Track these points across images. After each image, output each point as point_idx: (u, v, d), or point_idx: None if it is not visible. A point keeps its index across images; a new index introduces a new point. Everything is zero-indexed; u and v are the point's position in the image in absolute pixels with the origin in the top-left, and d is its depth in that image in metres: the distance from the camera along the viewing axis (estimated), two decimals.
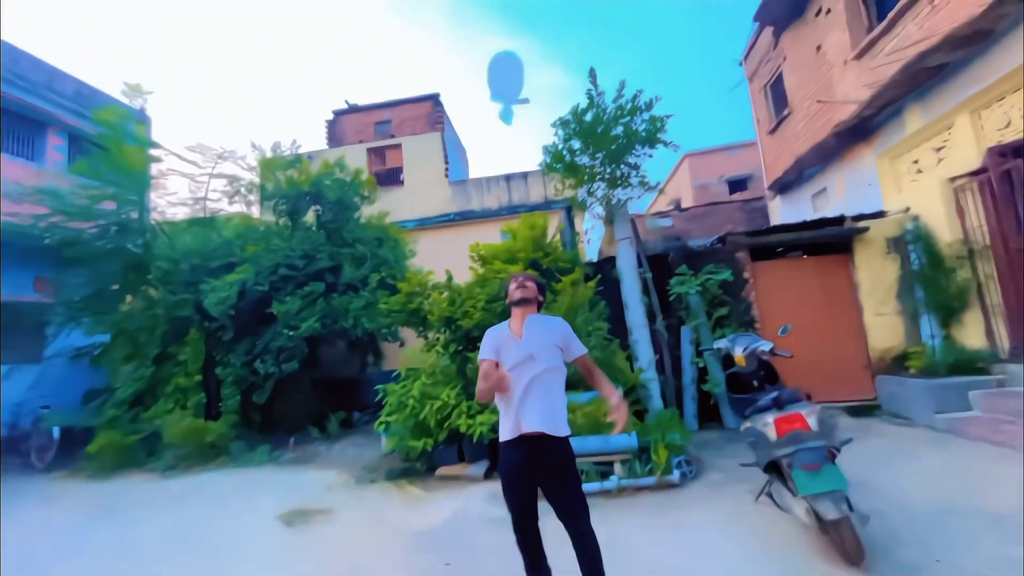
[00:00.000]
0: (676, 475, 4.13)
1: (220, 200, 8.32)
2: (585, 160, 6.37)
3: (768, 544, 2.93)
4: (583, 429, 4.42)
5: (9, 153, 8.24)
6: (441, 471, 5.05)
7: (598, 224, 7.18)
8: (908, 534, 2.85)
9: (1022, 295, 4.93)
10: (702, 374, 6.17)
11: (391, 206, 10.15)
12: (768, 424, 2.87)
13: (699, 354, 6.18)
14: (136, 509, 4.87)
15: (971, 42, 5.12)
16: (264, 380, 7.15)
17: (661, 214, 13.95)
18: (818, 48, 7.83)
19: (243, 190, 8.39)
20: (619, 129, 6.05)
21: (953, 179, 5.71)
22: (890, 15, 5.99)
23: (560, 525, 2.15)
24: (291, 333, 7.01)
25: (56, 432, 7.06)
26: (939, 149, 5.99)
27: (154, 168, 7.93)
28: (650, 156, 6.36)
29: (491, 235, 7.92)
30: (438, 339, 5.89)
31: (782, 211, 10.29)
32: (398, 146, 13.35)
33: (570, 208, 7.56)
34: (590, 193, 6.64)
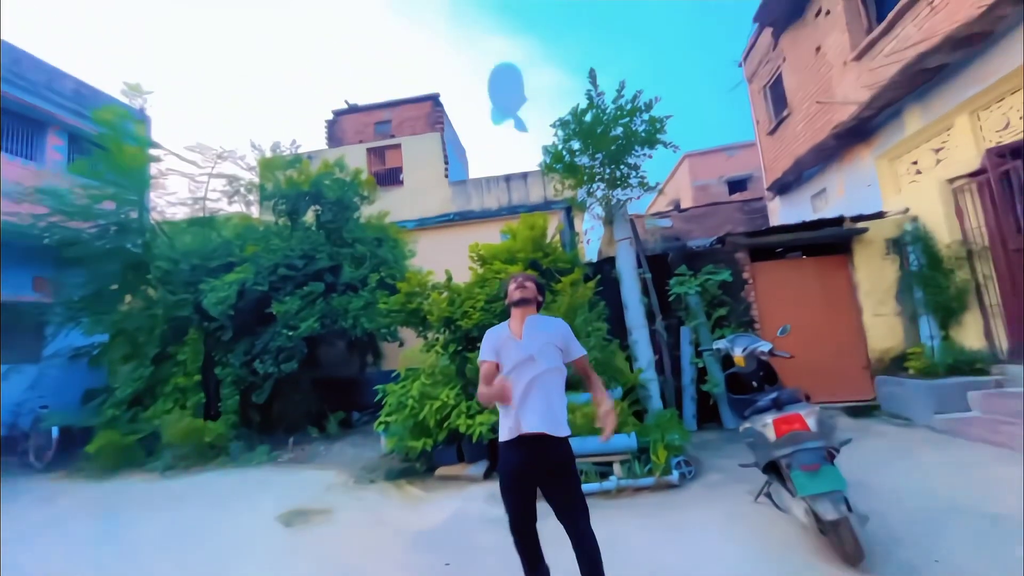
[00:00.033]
0: (675, 475, 4.13)
1: (220, 200, 8.34)
2: (585, 160, 6.37)
3: (767, 545, 2.93)
4: (582, 429, 4.42)
5: (9, 153, 8.23)
6: (440, 471, 5.05)
7: (597, 224, 7.18)
8: (907, 534, 2.85)
9: (1021, 296, 4.94)
10: (701, 374, 6.18)
11: (391, 206, 10.16)
12: (767, 425, 2.87)
13: (698, 354, 6.19)
14: (135, 509, 4.87)
15: (970, 43, 5.13)
16: (263, 380, 7.14)
17: (660, 214, 13.95)
18: (817, 49, 7.84)
19: (243, 190, 8.39)
20: (619, 130, 6.05)
21: (952, 180, 5.72)
22: (889, 16, 6.00)
23: (560, 525, 2.15)
24: (290, 333, 7.01)
25: (55, 432, 7.05)
26: (938, 150, 6.00)
27: (154, 168, 7.93)
28: (649, 157, 6.36)
29: (491, 235, 7.92)
30: (437, 339, 5.89)
31: (781, 212, 10.30)
32: (398, 146, 13.35)
33: (570, 208, 7.56)
34: (590, 194, 6.65)
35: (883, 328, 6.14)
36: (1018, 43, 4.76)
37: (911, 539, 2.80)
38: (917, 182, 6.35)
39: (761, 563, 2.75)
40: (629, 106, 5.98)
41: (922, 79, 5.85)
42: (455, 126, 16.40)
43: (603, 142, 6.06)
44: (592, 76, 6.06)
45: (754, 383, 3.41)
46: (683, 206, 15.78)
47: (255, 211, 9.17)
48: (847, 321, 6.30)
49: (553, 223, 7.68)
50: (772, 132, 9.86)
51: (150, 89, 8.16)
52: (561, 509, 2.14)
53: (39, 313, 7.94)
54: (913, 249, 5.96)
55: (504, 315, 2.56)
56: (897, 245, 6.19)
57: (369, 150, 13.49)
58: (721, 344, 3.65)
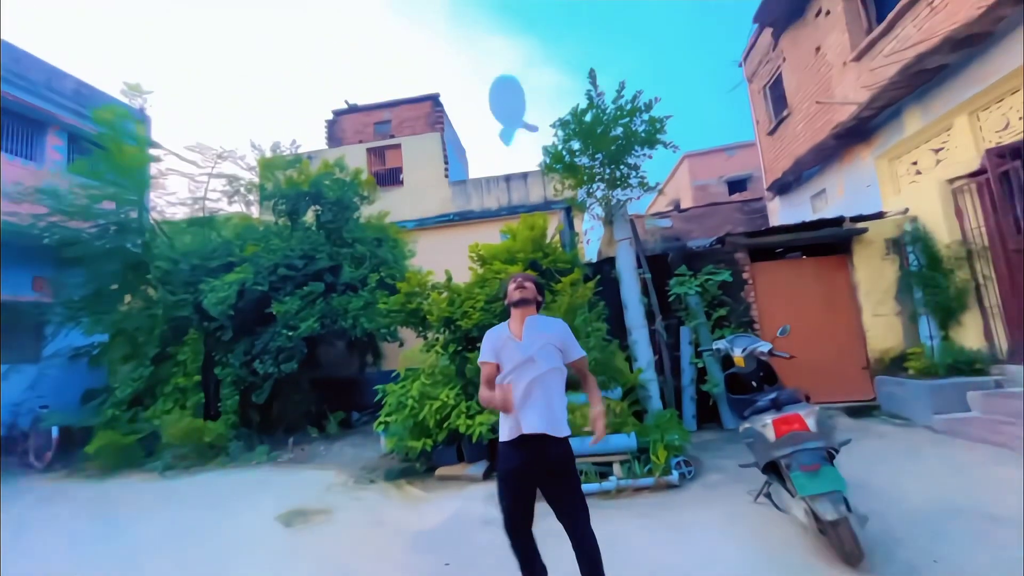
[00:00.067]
0: (675, 476, 4.14)
1: (219, 200, 8.34)
2: (585, 161, 6.37)
3: (767, 545, 2.93)
4: (582, 429, 4.42)
5: (8, 153, 8.23)
6: (440, 471, 5.06)
7: (597, 225, 7.18)
8: (906, 535, 2.85)
9: (1020, 296, 4.94)
10: (701, 375, 6.18)
11: (391, 206, 10.16)
12: (767, 425, 2.88)
13: (698, 355, 6.19)
14: (135, 509, 4.87)
15: (970, 44, 5.13)
16: (263, 380, 7.14)
17: (660, 215, 13.95)
18: (817, 49, 7.85)
19: (242, 190, 8.39)
20: (619, 130, 6.05)
21: (952, 180, 5.72)
22: (889, 16, 6.01)
23: (560, 525, 2.15)
24: (290, 333, 7.01)
25: (55, 432, 7.05)
26: (938, 151, 6.01)
27: (153, 168, 7.94)
28: (649, 157, 6.36)
29: (491, 235, 7.92)
30: (437, 339, 5.89)
31: (781, 212, 10.30)
32: (398, 146, 13.35)
33: (569, 209, 7.56)
34: (589, 194, 6.65)
35: (883, 328, 6.14)
36: (1018, 44, 4.76)
37: (911, 539, 2.80)
38: (917, 182, 6.35)
39: (761, 563, 2.75)
40: (629, 106, 5.98)
41: (922, 79, 5.86)
42: (455, 126, 16.41)
43: (603, 142, 6.06)
44: (592, 76, 6.06)
45: (754, 383, 3.41)
46: (683, 206, 15.78)
47: (255, 211, 9.17)
48: (847, 321, 6.30)
49: (553, 223, 7.69)
50: (772, 132, 9.87)
51: (150, 89, 8.17)
52: (561, 509, 2.14)
53: (39, 313, 7.95)
54: (913, 249, 5.97)
55: (504, 315, 2.56)
56: (897, 245, 6.19)
57: (369, 150, 13.49)
58: (721, 344, 3.65)
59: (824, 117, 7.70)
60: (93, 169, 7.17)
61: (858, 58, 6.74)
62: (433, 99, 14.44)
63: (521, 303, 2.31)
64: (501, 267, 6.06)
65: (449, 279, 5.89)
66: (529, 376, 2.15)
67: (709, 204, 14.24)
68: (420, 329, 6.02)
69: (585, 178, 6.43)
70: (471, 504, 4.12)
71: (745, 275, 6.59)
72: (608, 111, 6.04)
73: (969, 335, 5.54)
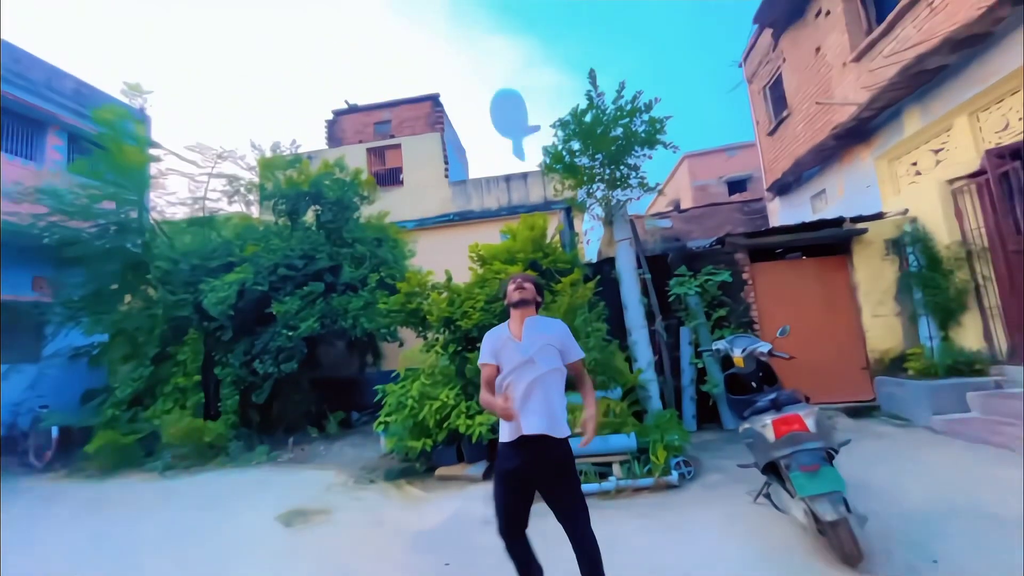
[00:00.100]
0: (675, 476, 4.14)
1: (219, 200, 8.34)
2: (585, 161, 6.37)
3: (766, 545, 2.94)
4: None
5: (8, 152, 8.23)
6: (440, 471, 5.06)
7: (597, 225, 7.18)
8: (906, 535, 2.86)
9: (1020, 297, 4.95)
10: (701, 375, 6.18)
11: (391, 206, 10.17)
12: (766, 425, 2.88)
13: (698, 355, 6.19)
14: (134, 509, 4.87)
15: (969, 45, 5.14)
16: (263, 380, 7.14)
17: (660, 215, 13.95)
18: (817, 50, 7.85)
19: (242, 190, 8.39)
20: (619, 130, 6.05)
21: (951, 181, 5.72)
22: (889, 17, 6.02)
23: (559, 526, 2.15)
24: (290, 333, 7.01)
25: (54, 432, 7.05)
26: (938, 151, 6.01)
27: (153, 168, 7.94)
28: (649, 157, 6.37)
29: (491, 236, 7.92)
30: (437, 339, 5.89)
31: (781, 212, 10.31)
32: (398, 146, 13.36)
33: (569, 209, 7.56)
34: (589, 194, 6.65)
35: (882, 329, 6.14)
36: (1017, 44, 4.77)
37: (910, 540, 2.80)
38: (916, 183, 6.36)
39: (760, 564, 2.75)
40: (629, 107, 5.98)
41: (921, 80, 5.86)
42: (455, 126, 16.41)
43: (603, 143, 6.06)
44: (592, 77, 6.06)
45: (753, 384, 3.41)
46: (683, 207, 15.79)
47: (255, 211, 9.17)
48: (846, 322, 6.30)
49: (553, 223, 7.69)
50: (772, 133, 9.87)
51: (150, 89, 8.17)
52: (561, 510, 2.14)
53: (39, 313, 7.94)
54: (912, 250, 5.97)
55: (504, 315, 2.57)
56: (896, 246, 6.19)
57: (369, 150, 13.50)
58: (720, 345, 3.65)
59: (824, 118, 7.71)
60: (93, 169, 7.17)
61: (858, 59, 6.75)
62: (433, 99, 14.45)
63: (521, 304, 2.32)
64: (501, 267, 6.07)
65: (449, 279, 5.89)
66: (529, 377, 2.15)
67: (709, 204, 14.25)
68: (420, 329, 6.02)
69: (585, 178, 6.43)
70: (471, 504, 4.12)
71: (745, 275, 6.59)
72: (608, 111, 6.04)
73: (969, 336, 5.54)
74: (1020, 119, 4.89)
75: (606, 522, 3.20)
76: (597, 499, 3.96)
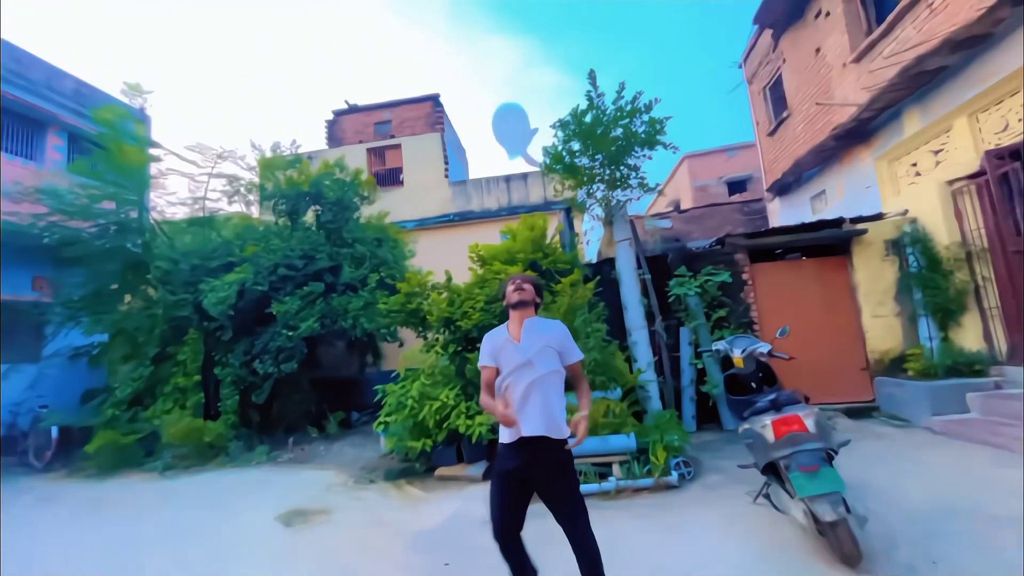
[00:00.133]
0: (674, 476, 4.14)
1: (219, 200, 8.35)
2: (585, 161, 6.38)
3: (766, 546, 2.94)
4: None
5: (9, 152, 8.23)
6: (440, 472, 5.06)
7: (597, 225, 7.18)
8: (905, 536, 2.86)
9: (1020, 298, 4.95)
10: (701, 375, 6.18)
11: (391, 206, 10.17)
12: (766, 426, 2.88)
13: (698, 355, 6.19)
14: (134, 509, 4.87)
15: (969, 46, 5.15)
16: (263, 380, 7.15)
17: (660, 215, 13.96)
18: (817, 50, 7.85)
19: (243, 190, 8.40)
20: (619, 131, 6.06)
21: (951, 182, 5.73)
22: (889, 18, 6.02)
23: (559, 526, 2.15)
24: (290, 333, 7.02)
25: (54, 432, 7.05)
26: (937, 152, 6.02)
27: (154, 168, 7.94)
28: (649, 158, 6.37)
29: (491, 236, 7.93)
30: (437, 340, 5.90)
31: (781, 213, 10.31)
32: (398, 146, 13.36)
33: (569, 209, 7.56)
34: (589, 194, 6.65)
35: (882, 329, 6.15)
36: (1017, 45, 4.77)
37: (909, 540, 2.81)
38: (916, 184, 6.36)
39: (760, 564, 2.76)
40: (629, 107, 5.98)
41: (921, 81, 5.87)
42: (455, 126, 16.41)
43: (603, 143, 6.06)
44: (592, 77, 6.07)
45: (753, 384, 3.42)
46: (683, 207, 15.80)
47: (255, 211, 9.18)
48: (846, 322, 6.31)
49: (553, 224, 7.69)
50: (772, 133, 9.87)
51: (150, 89, 8.18)
52: (560, 511, 2.14)
53: (39, 313, 7.95)
54: (912, 251, 5.97)
55: (504, 316, 2.56)
56: (896, 246, 6.20)
57: (369, 150, 13.50)
58: (720, 345, 3.65)
59: (824, 118, 7.71)
60: (93, 169, 7.17)
61: (858, 59, 6.75)
62: (433, 99, 14.45)
63: (520, 305, 2.31)
64: (501, 267, 6.07)
65: (449, 279, 5.90)
66: (528, 379, 2.15)
67: (709, 205, 14.25)
68: (420, 329, 6.02)
69: (585, 179, 6.43)
70: (471, 504, 4.12)
71: (745, 276, 6.59)
72: (608, 112, 6.05)
73: (968, 336, 5.55)
74: (1020, 120, 4.89)
75: (606, 522, 3.20)
76: (597, 499, 3.96)
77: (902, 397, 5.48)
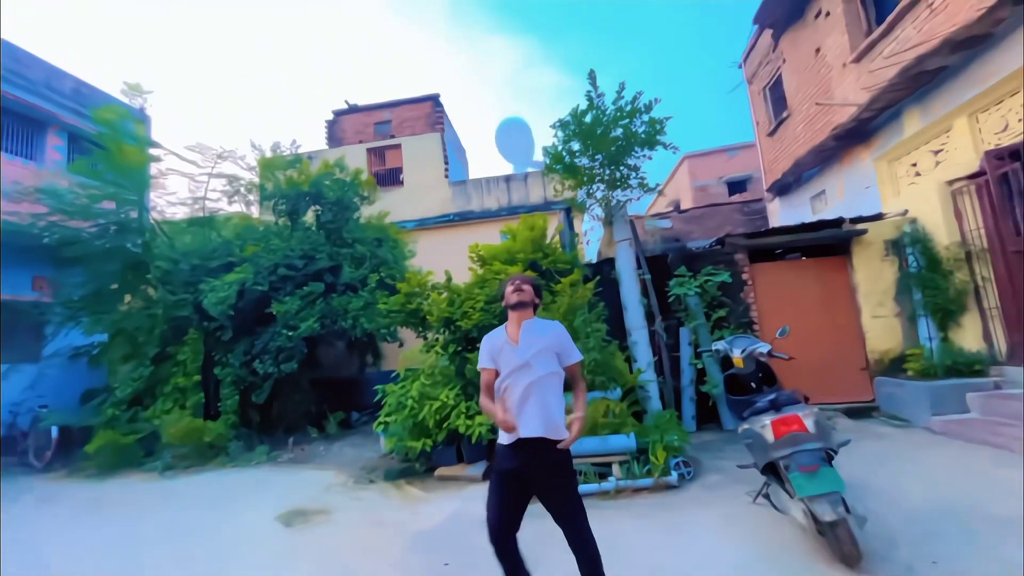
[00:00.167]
0: (674, 476, 4.14)
1: (219, 200, 8.35)
2: (585, 161, 6.38)
3: (765, 546, 2.94)
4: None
5: (8, 152, 8.23)
6: (440, 472, 5.06)
7: (597, 225, 7.19)
8: (905, 536, 2.86)
9: (1019, 298, 4.95)
10: (700, 376, 6.18)
11: (391, 206, 10.17)
12: (765, 426, 2.88)
13: (697, 355, 6.19)
14: (134, 509, 4.87)
15: (969, 46, 5.14)
16: (263, 380, 7.15)
17: (660, 215, 13.96)
18: (817, 50, 7.85)
19: (243, 190, 8.40)
20: (619, 131, 6.06)
21: (951, 182, 5.73)
22: (889, 18, 6.02)
23: (558, 526, 2.15)
24: (290, 333, 7.02)
25: (54, 432, 7.05)
26: (937, 152, 6.02)
27: (154, 168, 7.95)
28: (649, 158, 6.37)
29: (491, 236, 7.93)
30: (437, 340, 5.90)
31: (781, 213, 10.31)
32: (398, 146, 13.36)
33: (569, 209, 7.56)
34: (589, 195, 6.65)
35: (882, 329, 6.15)
36: (1017, 45, 4.77)
37: (909, 540, 2.81)
38: (916, 184, 6.36)
39: (759, 564, 2.76)
40: (629, 107, 5.98)
41: (921, 81, 5.87)
42: (455, 126, 16.41)
43: (603, 143, 6.06)
44: (592, 77, 6.07)
45: (753, 384, 3.42)
46: (683, 207, 15.79)
47: (255, 211, 9.18)
48: (846, 322, 6.31)
49: (553, 224, 7.69)
50: (772, 133, 9.87)
51: (150, 88, 8.19)
52: (559, 512, 2.14)
53: (39, 312, 7.95)
54: (912, 251, 5.97)
55: (504, 316, 2.56)
56: (896, 247, 6.20)
57: (369, 150, 13.50)
58: (720, 345, 3.65)
59: (824, 118, 7.71)
60: (93, 169, 7.17)
61: (858, 60, 6.75)
62: (433, 99, 14.45)
63: (518, 306, 2.31)
64: (501, 267, 6.07)
65: (449, 279, 5.90)
66: (526, 381, 2.15)
67: (709, 205, 14.25)
68: (420, 329, 6.02)
69: (585, 179, 6.43)
70: (470, 504, 4.12)
71: (744, 276, 6.60)
72: (608, 112, 6.05)
73: (968, 336, 5.55)
74: (1020, 120, 4.89)
75: (606, 522, 3.20)
76: (597, 499, 3.96)
77: (902, 397, 5.48)
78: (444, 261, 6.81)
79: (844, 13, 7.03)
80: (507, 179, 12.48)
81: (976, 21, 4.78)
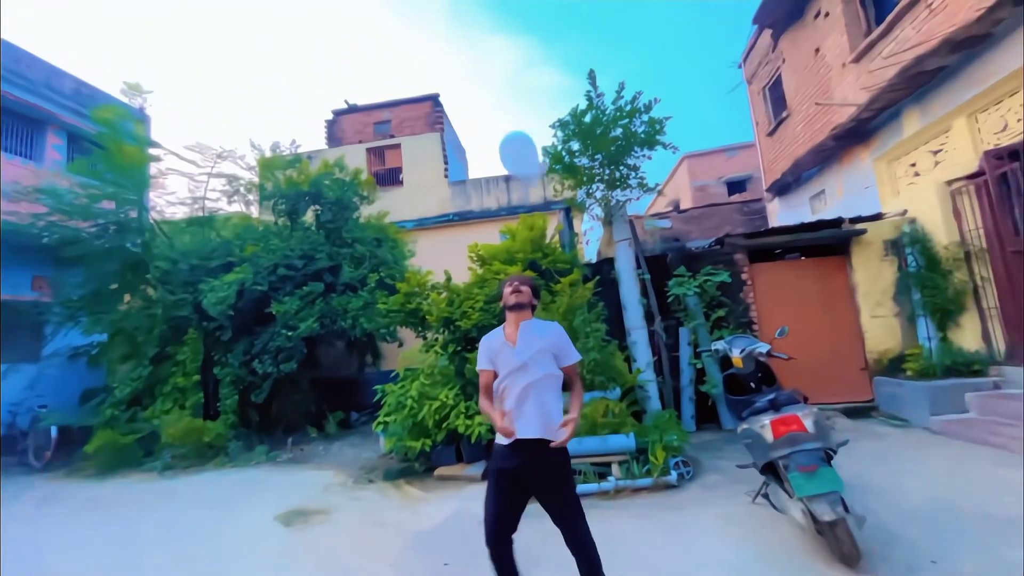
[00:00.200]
0: (673, 476, 4.14)
1: (219, 200, 8.35)
2: (584, 161, 6.38)
3: (764, 545, 2.94)
4: (580, 430, 4.43)
5: (8, 152, 8.23)
6: (439, 471, 5.06)
7: (597, 225, 7.19)
8: (904, 535, 2.86)
9: (1018, 298, 4.95)
10: (700, 375, 6.19)
11: (390, 206, 10.18)
12: (765, 426, 2.88)
13: (697, 355, 6.20)
14: (134, 509, 4.87)
15: (968, 46, 5.15)
16: (262, 380, 7.15)
17: (660, 215, 13.96)
18: (817, 51, 7.86)
19: (242, 190, 8.40)
20: (618, 131, 6.06)
21: (950, 182, 5.73)
22: (888, 18, 6.02)
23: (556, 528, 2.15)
24: (290, 333, 7.02)
25: (54, 431, 7.05)
26: (936, 152, 6.02)
27: (153, 167, 7.94)
28: (649, 158, 6.37)
29: (490, 236, 7.93)
30: (437, 339, 5.90)
31: (780, 213, 10.32)
32: (397, 146, 13.37)
33: (569, 209, 7.56)
34: (589, 194, 6.65)
35: (881, 329, 6.15)
36: (1016, 46, 4.78)
37: (908, 540, 2.81)
38: (915, 184, 6.37)
39: (758, 564, 2.76)
40: (629, 107, 5.98)
41: (920, 81, 5.87)
42: (455, 126, 16.41)
43: (602, 143, 6.07)
44: (592, 77, 6.07)
45: (752, 384, 3.42)
46: (682, 207, 15.79)
47: (255, 211, 9.18)
48: (845, 322, 6.31)
49: (552, 224, 7.70)
50: (771, 133, 9.88)
51: (150, 88, 8.20)
52: (557, 513, 2.13)
53: (38, 312, 7.95)
54: (911, 251, 5.98)
55: (503, 316, 2.56)
56: (895, 247, 6.20)
57: (369, 150, 13.50)
58: (719, 345, 3.65)
59: (823, 118, 7.72)
60: (93, 168, 7.17)
61: (857, 60, 6.76)
62: (433, 99, 14.45)
63: (516, 308, 2.31)
64: (500, 267, 6.07)
65: (448, 279, 5.90)
66: (524, 382, 2.15)
67: (708, 205, 14.25)
68: (419, 329, 6.03)
69: (585, 179, 6.43)
70: (470, 504, 4.12)
71: (744, 276, 6.60)
72: (608, 112, 6.05)
73: (967, 336, 5.55)
74: (1019, 120, 4.90)
75: (605, 522, 3.21)
76: (596, 499, 3.96)
77: (901, 397, 5.49)
78: (443, 261, 6.82)
79: (844, 13, 7.04)
80: (506, 179, 12.47)
81: (975, 21, 4.78)
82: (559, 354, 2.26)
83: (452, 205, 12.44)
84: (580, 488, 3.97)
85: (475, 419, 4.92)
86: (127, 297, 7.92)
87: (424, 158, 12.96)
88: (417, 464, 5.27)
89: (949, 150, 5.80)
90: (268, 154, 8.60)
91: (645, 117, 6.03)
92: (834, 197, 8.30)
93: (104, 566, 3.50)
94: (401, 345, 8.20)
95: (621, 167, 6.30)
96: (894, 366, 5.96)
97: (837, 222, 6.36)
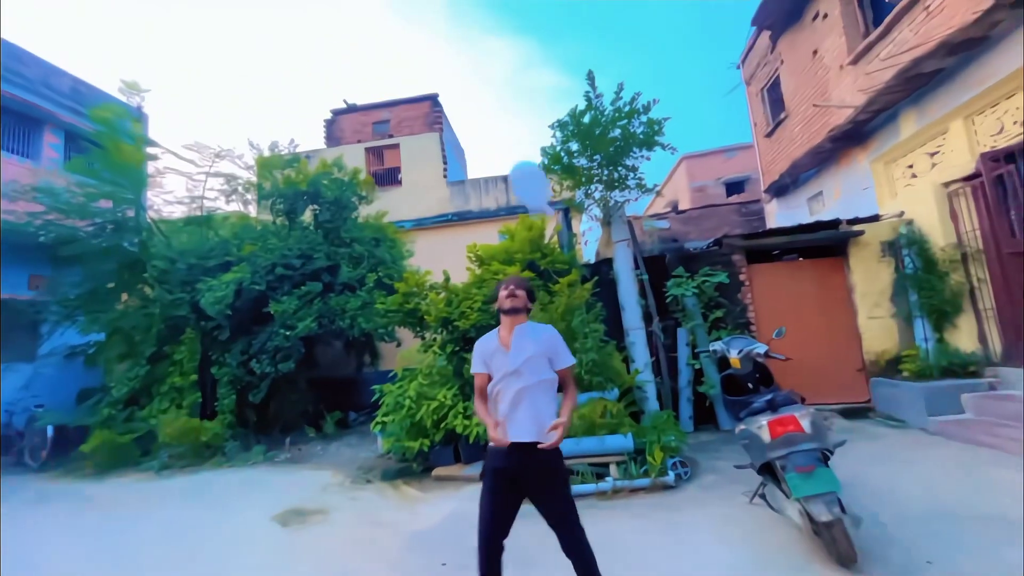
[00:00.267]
0: (671, 477, 4.15)
1: (217, 199, 8.35)
2: (583, 162, 6.38)
3: (761, 546, 2.95)
4: (578, 430, 4.44)
5: (5, 150, 8.20)
6: (437, 471, 5.06)
7: (595, 226, 7.19)
8: (900, 536, 2.87)
9: (1014, 299, 4.98)
10: (698, 376, 6.20)
11: (389, 206, 10.17)
12: (762, 426, 2.89)
13: (695, 356, 6.21)
14: (131, 509, 4.86)
15: (965, 48, 5.17)
16: (260, 380, 7.13)
17: (658, 216, 13.98)
18: (815, 52, 7.88)
19: (240, 189, 8.39)
20: (617, 131, 6.06)
21: (947, 184, 5.75)
22: (886, 21, 6.05)
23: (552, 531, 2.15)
24: (287, 333, 7.00)
25: (50, 431, 7.03)
26: (933, 154, 6.04)
27: (151, 166, 7.94)
28: (647, 158, 6.37)
29: (489, 236, 7.94)
30: (435, 339, 5.90)
31: (778, 214, 10.34)
32: (396, 146, 13.36)
33: (568, 210, 7.57)
34: (588, 195, 6.66)
35: (878, 330, 6.17)
36: (1013, 48, 4.80)
37: (905, 541, 2.82)
38: (912, 186, 6.39)
39: (755, 564, 2.77)
40: (627, 108, 5.99)
41: (918, 83, 5.90)
42: (454, 126, 16.42)
43: (601, 144, 6.07)
44: (591, 78, 6.07)
45: (750, 385, 3.43)
46: (681, 208, 15.81)
47: (253, 210, 9.16)
48: (842, 323, 6.33)
49: (551, 224, 7.70)
50: (769, 135, 9.90)
51: (148, 87, 8.20)
52: (552, 516, 2.13)
53: (35, 311, 7.93)
54: (908, 252, 6.00)
55: (500, 317, 2.55)
56: (892, 248, 6.22)
57: (367, 150, 13.49)
58: (717, 346, 3.66)
59: (821, 120, 7.74)
60: (90, 167, 7.16)
61: (855, 62, 6.78)
62: (432, 99, 14.44)
63: (511, 312, 2.30)
64: (499, 267, 6.07)
65: (447, 279, 5.89)
66: (516, 387, 2.15)
67: (707, 206, 14.28)
68: (418, 329, 6.02)
69: (583, 179, 6.44)
70: (468, 504, 4.11)
71: (742, 277, 6.61)
72: (606, 113, 6.05)
73: (963, 338, 5.58)
74: (1015, 122, 4.92)
75: (603, 523, 3.22)
76: (594, 500, 3.96)
77: (898, 398, 5.51)
78: (442, 261, 6.81)
79: (842, 15, 7.06)
80: (505, 179, 12.48)
81: (972, 24, 4.80)
82: (553, 357, 2.25)
83: (451, 205, 12.44)
84: (578, 488, 3.98)
85: (473, 419, 4.92)
86: (124, 296, 7.90)
87: (423, 158, 12.95)
88: (415, 464, 5.27)
89: (946, 152, 5.82)
90: (266, 153, 8.59)
91: (644, 118, 6.03)
92: (832, 198, 8.33)
93: (101, 566, 3.49)
94: (399, 345, 8.19)
95: (620, 168, 6.31)
96: (891, 367, 5.98)
97: (835, 223, 6.38)
